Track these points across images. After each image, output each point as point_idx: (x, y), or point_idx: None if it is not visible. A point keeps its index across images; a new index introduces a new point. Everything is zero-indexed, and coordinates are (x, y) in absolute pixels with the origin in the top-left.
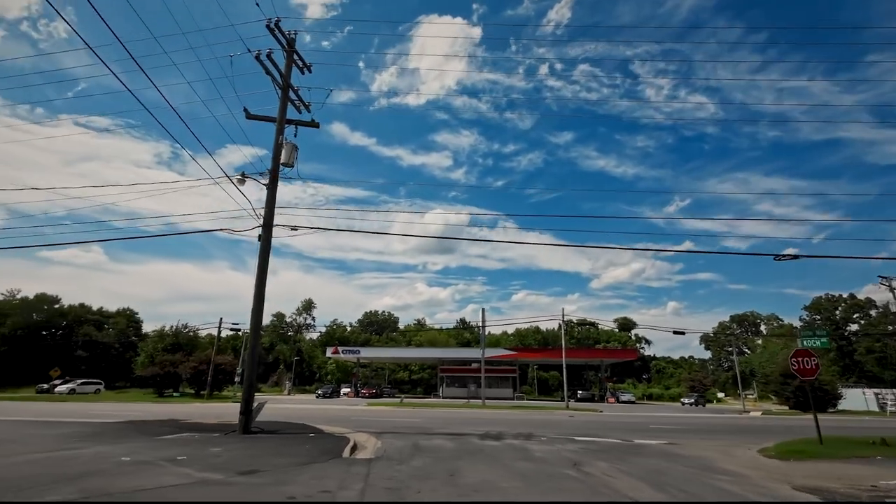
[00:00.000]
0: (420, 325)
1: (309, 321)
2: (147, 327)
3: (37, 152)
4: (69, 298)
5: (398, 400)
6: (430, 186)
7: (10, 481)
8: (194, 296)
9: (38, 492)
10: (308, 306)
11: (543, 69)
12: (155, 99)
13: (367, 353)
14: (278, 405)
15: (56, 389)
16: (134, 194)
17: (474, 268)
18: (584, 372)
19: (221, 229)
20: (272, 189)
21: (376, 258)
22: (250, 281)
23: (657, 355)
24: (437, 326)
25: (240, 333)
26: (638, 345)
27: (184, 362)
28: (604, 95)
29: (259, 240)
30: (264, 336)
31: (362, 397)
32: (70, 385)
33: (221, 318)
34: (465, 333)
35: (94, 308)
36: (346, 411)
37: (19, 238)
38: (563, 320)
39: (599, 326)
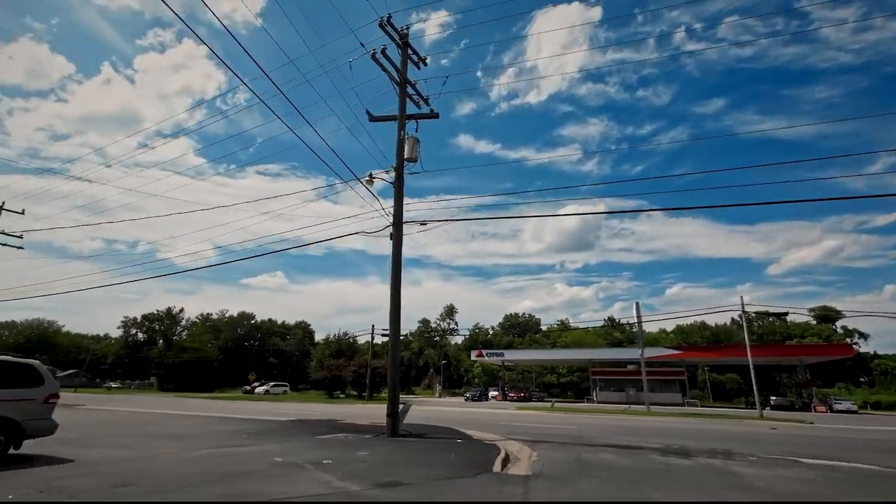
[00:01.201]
0: (564, 325)
1: (452, 326)
2: (318, 337)
3: (230, 198)
4: (261, 315)
5: (548, 404)
6: (559, 180)
7: (168, 479)
8: (354, 308)
9: (184, 493)
10: (450, 312)
11: (679, 35)
12: (309, 140)
13: (511, 355)
14: (428, 407)
15: (256, 390)
16: (302, 225)
17: (617, 263)
18: (775, 374)
19: (356, 233)
20: (399, 185)
21: (511, 261)
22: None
23: (879, 352)
24: (581, 326)
25: None
26: (848, 339)
27: (346, 366)
28: (761, 48)
29: (391, 238)
30: (413, 341)
31: (510, 400)
32: (265, 387)
33: (374, 325)
34: (615, 333)
35: (279, 322)
36: (495, 415)
37: (225, 270)
38: (743, 310)
39: (789, 318)
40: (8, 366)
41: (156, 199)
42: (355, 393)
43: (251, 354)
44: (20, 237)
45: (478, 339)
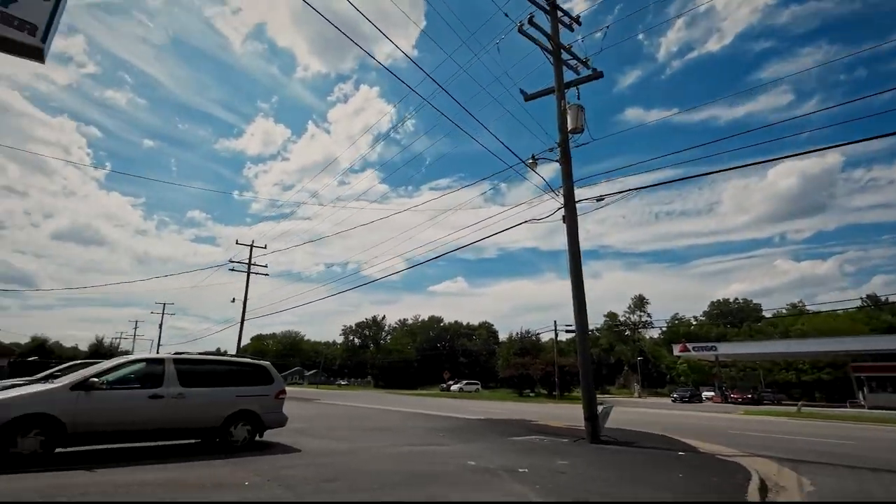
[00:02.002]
0: (798, 310)
1: (644, 318)
2: (501, 336)
3: (411, 216)
4: (448, 318)
5: (790, 408)
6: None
7: (368, 477)
8: (532, 306)
9: (379, 493)
10: (640, 303)
11: None
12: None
13: (727, 348)
14: (628, 409)
15: (451, 388)
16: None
17: (870, 224)
18: None
19: (525, 221)
20: (565, 161)
21: (709, 240)
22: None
23: None
24: (824, 310)
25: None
26: None
27: (532, 364)
28: None
29: (564, 221)
30: (601, 337)
31: (733, 402)
32: (458, 385)
33: (556, 322)
34: (884, 315)
35: (464, 324)
36: (717, 420)
37: (414, 280)
38: None
39: None
40: (248, 366)
41: (357, 226)
42: (545, 391)
43: (443, 355)
44: (265, 266)
45: (678, 331)
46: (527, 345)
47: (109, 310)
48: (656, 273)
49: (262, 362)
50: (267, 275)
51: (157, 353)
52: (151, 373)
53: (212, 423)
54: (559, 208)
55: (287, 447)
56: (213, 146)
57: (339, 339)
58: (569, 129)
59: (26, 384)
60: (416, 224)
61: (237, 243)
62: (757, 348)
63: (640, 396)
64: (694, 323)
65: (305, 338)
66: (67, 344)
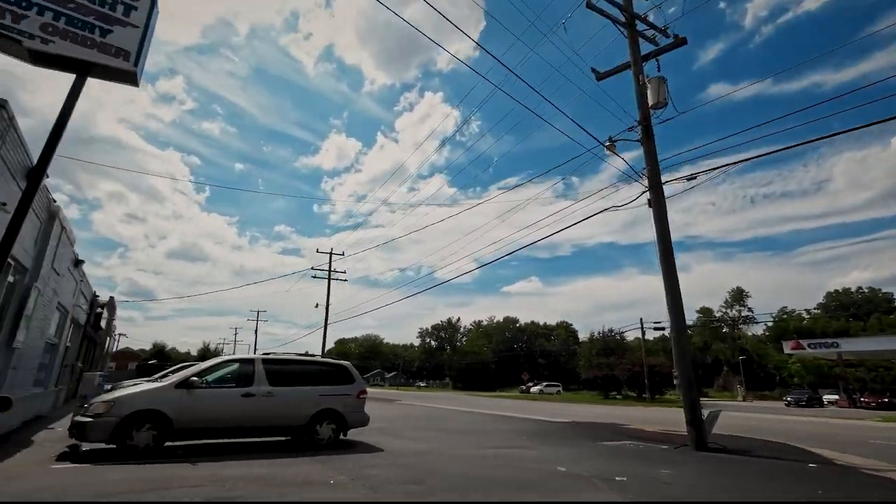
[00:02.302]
0: None
1: (744, 313)
2: (581, 336)
3: (481, 217)
4: (524, 319)
5: None
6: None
7: (453, 480)
8: (612, 304)
9: (469, 498)
10: (738, 296)
11: None
12: (540, 148)
13: (851, 345)
14: (732, 413)
15: (531, 390)
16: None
17: None
18: None
19: (605, 210)
20: (648, 140)
21: (819, 223)
22: (661, 282)
23: None
24: None
25: (665, 334)
26: None
27: (618, 365)
28: None
29: (650, 206)
30: (694, 335)
31: (864, 407)
32: (538, 386)
33: (641, 319)
34: None
35: (541, 324)
36: (850, 428)
37: (488, 281)
38: None
39: None
40: (330, 366)
41: (428, 230)
42: (633, 394)
43: (521, 356)
44: (344, 272)
45: (787, 327)
46: (610, 344)
47: (214, 318)
48: (755, 263)
49: (342, 362)
50: (346, 280)
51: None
52: (243, 372)
53: (299, 421)
54: (643, 192)
55: (370, 446)
56: (293, 164)
57: (416, 342)
58: (650, 104)
59: (143, 384)
60: (484, 224)
61: (318, 252)
62: (891, 344)
63: (743, 399)
64: (806, 317)
65: (385, 341)
66: (182, 349)
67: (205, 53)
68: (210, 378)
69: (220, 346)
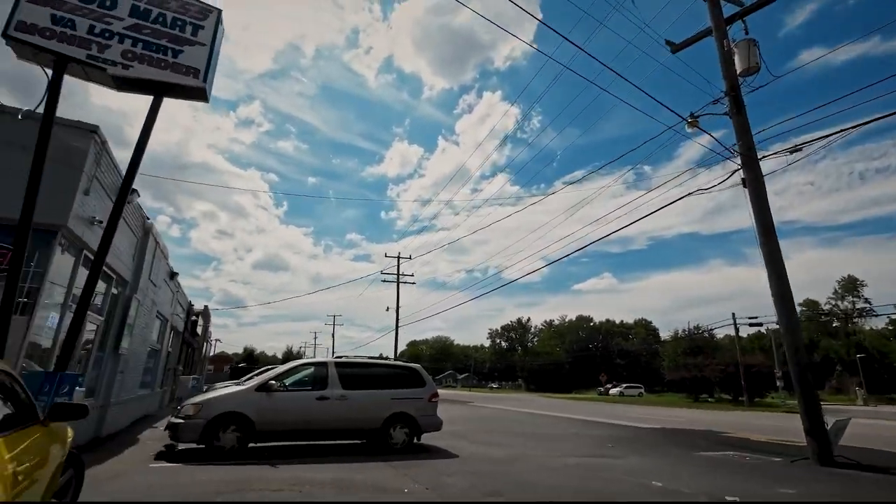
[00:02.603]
0: None
1: (860, 305)
2: (663, 335)
3: (547, 214)
4: (598, 317)
5: None
6: None
7: (535, 491)
8: (696, 299)
9: None
10: (851, 286)
11: None
12: (606, 138)
13: None
14: (854, 419)
15: (610, 392)
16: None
17: None
18: None
19: (690, 193)
20: (738, 113)
21: None
22: (753, 273)
23: None
24: None
25: (762, 330)
26: None
27: (708, 365)
28: None
29: (744, 185)
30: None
31: None
32: (618, 388)
33: (734, 314)
34: None
35: (617, 322)
36: None
37: (557, 280)
38: None
39: None
40: (401, 369)
41: (493, 231)
42: (727, 397)
43: (596, 356)
44: (412, 275)
45: None
46: (698, 342)
47: (296, 324)
48: (869, 248)
49: (413, 365)
50: (414, 283)
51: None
52: (318, 376)
53: (372, 424)
54: (733, 171)
55: (445, 451)
56: (360, 174)
57: (487, 343)
58: (738, 71)
59: (230, 387)
60: (550, 221)
61: (385, 256)
62: None
63: (864, 403)
64: None
65: (455, 342)
66: (269, 353)
67: (277, 78)
68: (287, 381)
69: (302, 349)
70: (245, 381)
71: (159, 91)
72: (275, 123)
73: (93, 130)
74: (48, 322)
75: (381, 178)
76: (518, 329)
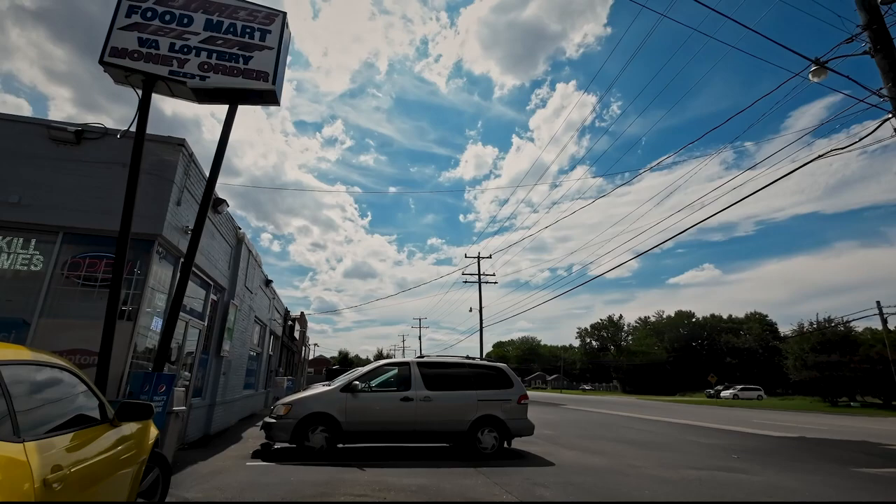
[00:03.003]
0: None
1: None
2: (783, 329)
3: (632, 205)
4: (700, 312)
5: None
6: None
7: None
8: (822, 289)
9: None
10: None
11: None
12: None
13: None
14: None
15: (721, 394)
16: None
17: None
18: None
19: (824, 155)
20: (885, 48)
21: None
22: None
23: None
24: None
25: None
26: None
27: (847, 363)
28: None
29: None
30: None
31: None
32: (731, 390)
33: (879, 303)
34: None
35: (724, 317)
36: None
37: (650, 274)
38: None
39: None
40: (486, 369)
41: (576, 226)
42: (876, 400)
43: (702, 354)
44: (493, 275)
45: None
46: (831, 338)
47: (385, 328)
48: None
49: (499, 364)
50: (495, 282)
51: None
52: (401, 376)
53: (459, 427)
54: (885, 119)
55: (538, 458)
56: (437, 180)
57: (576, 343)
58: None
59: (319, 387)
60: (635, 211)
61: (466, 256)
62: None
63: None
64: None
65: (542, 343)
66: (362, 356)
67: (356, 96)
68: (372, 383)
69: (391, 352)
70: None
71: (234, 99)
72: (356, 139)
73: (180, 143)
74: (153, 325)
75: (458, 181)
76: (609, 327)
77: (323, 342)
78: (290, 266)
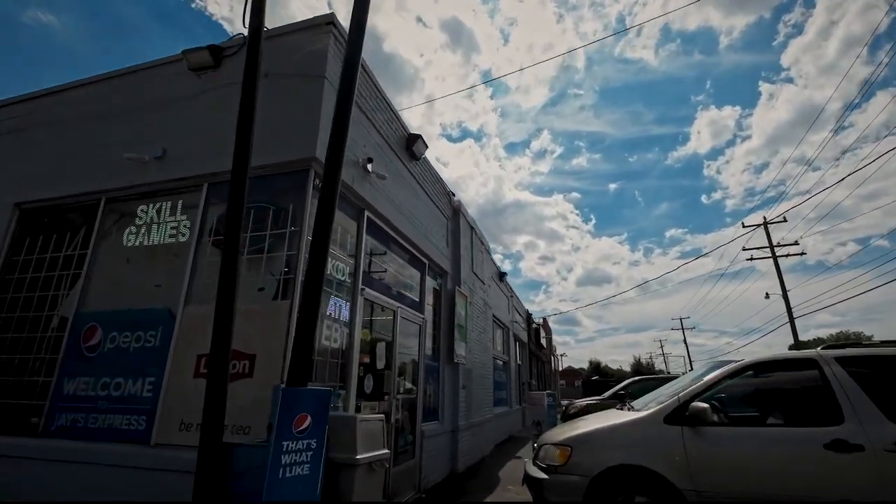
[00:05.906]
0: None
1: None
2: None
3: None
4: None
5: None
6: None
7: None
8: None
9: None
10: None
11: None
12: None
13: None
14: None
15: None
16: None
17: None
18: None
19: None
20: None
21: None
22: None
23: None
24: None
25: None
26: None
27: None
28: None
29: None
30: None
31: None
32: None
33: None
34: None
35: None
36: None
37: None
38: None
39: None
40: None
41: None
42: None
43: None
44: (796, 243)
45: None
46: None
47: (633, 335)
48: None
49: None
50: (801, 254)
51: (735, 364)
52: (800, 390)
53: None
54: None
55: None
56: (664, 164)
57: None
58: None
59: (613, 414)
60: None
61: (743, 226)
62: None
63: None
64: None
65: (871, 337)
66: (613, 366)
67: (557, 104)
68: (726, 403)
69: (650, 360)
70: (609, 396)
71: None
72: (565, 145)
73: (329, 21)
74: (329, 309)
75: (691, 158)
76: None
77: (568, 354)
78: (523, 282)
